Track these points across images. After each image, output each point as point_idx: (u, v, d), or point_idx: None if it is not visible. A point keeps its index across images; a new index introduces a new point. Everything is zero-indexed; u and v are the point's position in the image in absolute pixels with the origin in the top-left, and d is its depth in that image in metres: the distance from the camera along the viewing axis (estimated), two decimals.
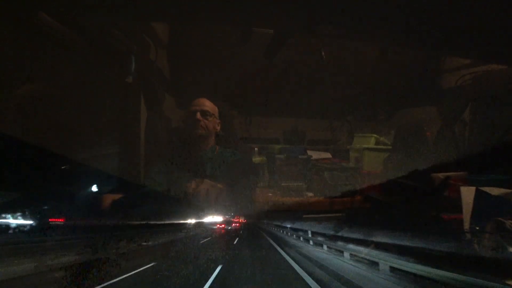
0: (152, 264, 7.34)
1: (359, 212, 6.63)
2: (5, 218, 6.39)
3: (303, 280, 5.89)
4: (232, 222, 25.86)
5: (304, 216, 9.35)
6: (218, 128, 7.11)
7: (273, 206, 8.08)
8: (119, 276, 5.85)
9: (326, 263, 7.22)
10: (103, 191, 6.45)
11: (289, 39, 5.60)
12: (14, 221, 6.57)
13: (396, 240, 5.65)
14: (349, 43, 6.21)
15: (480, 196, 4.75)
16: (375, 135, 8.08)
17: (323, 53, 5.96)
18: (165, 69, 6.92)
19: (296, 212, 9.05)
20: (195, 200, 6.81)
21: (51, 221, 7.22)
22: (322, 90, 7.19)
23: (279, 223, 17.10)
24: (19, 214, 6.35)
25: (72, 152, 5.42)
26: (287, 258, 8.40)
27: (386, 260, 5.76)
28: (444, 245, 4.55)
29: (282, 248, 9.89)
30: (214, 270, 6.27)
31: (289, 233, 14.67)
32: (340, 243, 8.44)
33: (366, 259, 6.76)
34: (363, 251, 6.72)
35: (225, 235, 18.23)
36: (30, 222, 6.49)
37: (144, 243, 11.09)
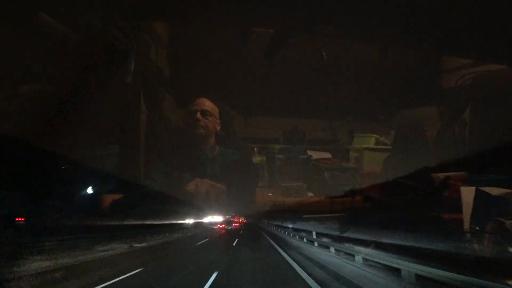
0: (138, 270, 6.28)
1: (366, 212, 6.48)
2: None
3: None
4: (232, 222, 25.91)
5: (305, 216, 9.32)
6: (218, 128, 7.12)
7: (273, 206, 8.09)
8: (94, 286, 4.87)
9: (338, 270, 5.82)
10: (102, 191, 6.45)
11: (289, 39, 5.61)
12: None
13: (414, 242, 4.95)
14: (349, 43, 6.22)
15: (480, 196, 4.75)
16: (375, 135, 8.09)
17: (323, 53, 5.96)
18: (165, 69, 6.92)
19: (296, 212, 9.05)
20: (195, 200, 6.81)
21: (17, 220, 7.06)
22: (322, 90, 7.19)
23: (279, 223, 16.81)
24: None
25: (72, 152, 5.43)
26: (292, 263, 7.00)
27: (409, 267, 4.62)
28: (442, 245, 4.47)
29: (285, 251, 8.59)
30: (208, 279, 5.23)
31: (290, 234, 13.55)
32: (347, 245, 7.19)
33: (382, 264, 5.56)
34: (378, 255, 5.60)
35: (224, 236, 17.51)
36: None
37: (137, 245, 10.70)
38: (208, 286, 4.88)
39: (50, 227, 7.75)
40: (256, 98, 7.44)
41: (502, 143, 4.74)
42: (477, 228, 4.64)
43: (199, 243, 12.76)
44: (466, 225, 4.80)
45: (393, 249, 5.30)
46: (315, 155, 8.02)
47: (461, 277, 3.52)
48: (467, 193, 4.88)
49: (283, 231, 15.84)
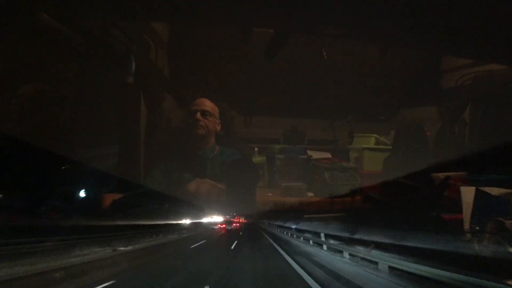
0: (106, 284, 4.61)
1: (377, 211, 6.34)
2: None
3: None
4: (232, 222, 25.91)
5: (306, 216, 9.30)
6: (218, 128, 7.12)
7: (273, 206, 8.09)
8: None
9: (362, 283, 4.43)
10: (101, 191, 6.45)
11: (289, 39, 5.61)
12: None
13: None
14: (349, 43, 6.21)
15: (480, 196, 4.74)
16: (375, 135, 8.10)
17: (324, 53, 5.96)
18: (165, 69, 6.92)
19: (297, 212, 9.04)
20: (195, 200, 6.82)
21: None
22: (322, 90, 7.20)
23: (280, 223, 16.41)
24: None
25: (72, 152, 5.44)
26: (302, 272, 5.44)
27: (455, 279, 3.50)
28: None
29: (291, 257, 7.20)
30: None
31: (294, 235, 12.10)
32: (361, 249, 5.99)
33: (410, 272, 4.36)
34: (405, 263, 4.41)
35: (223, 237, 16.32)
36: None
37: (122, 248, 9.20)
38: None
39: (35, 227, 6.73)
40: (256, 98, 7.45)
41: (502, 143, 4.74)
42: (477, 228, 4.63)
43: (193, 246, 11.37)
44: (466, 225, 4.80)
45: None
46: (315, 155, 8.03)
47: (461, 277, 3.51)
48: (467, 193, 4.87)
49: (285, 232, 15.56)
